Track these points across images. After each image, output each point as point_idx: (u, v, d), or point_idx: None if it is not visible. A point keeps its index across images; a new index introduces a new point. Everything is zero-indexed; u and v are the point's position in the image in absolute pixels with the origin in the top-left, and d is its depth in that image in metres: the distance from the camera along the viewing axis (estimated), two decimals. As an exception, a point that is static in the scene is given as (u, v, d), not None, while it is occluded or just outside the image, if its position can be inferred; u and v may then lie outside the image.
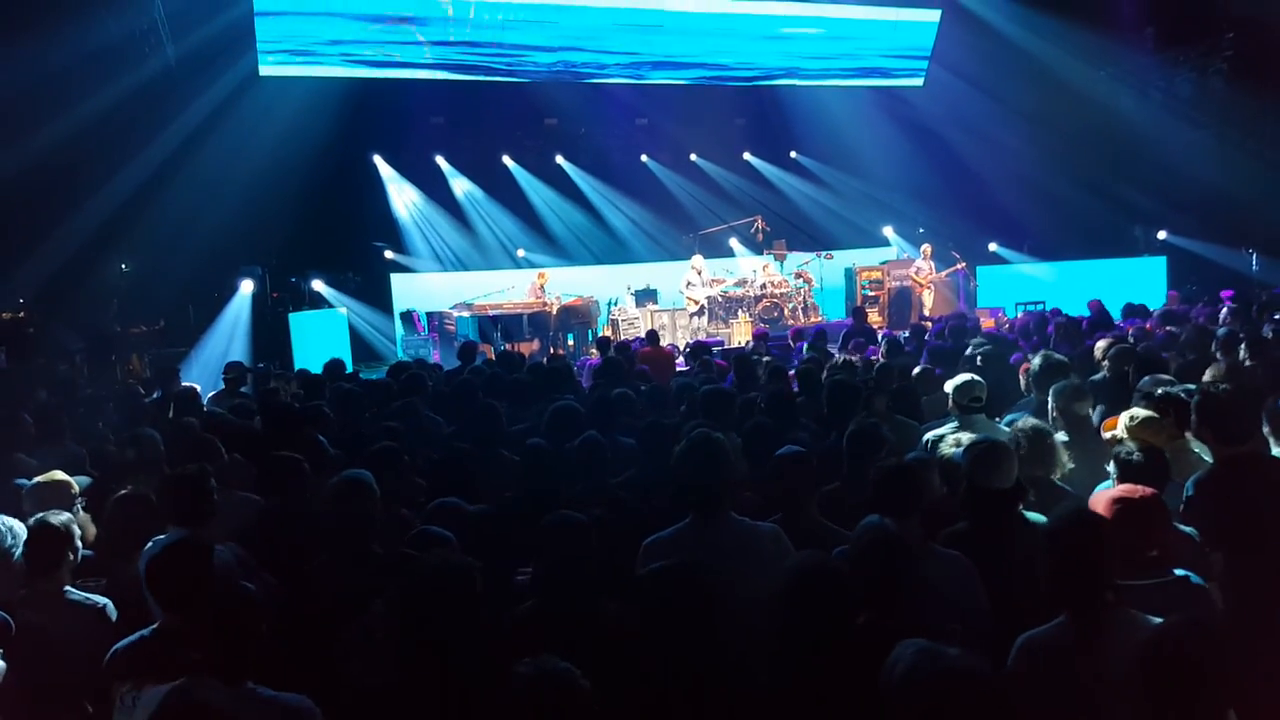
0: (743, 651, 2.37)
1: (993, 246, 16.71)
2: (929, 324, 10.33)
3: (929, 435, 4.26)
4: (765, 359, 7.30)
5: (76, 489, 3.93)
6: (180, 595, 2.69)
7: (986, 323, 11.12)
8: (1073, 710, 2.28)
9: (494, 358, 8.71)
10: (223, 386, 7.95)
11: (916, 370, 6.00)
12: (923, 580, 2.66)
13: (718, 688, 2.24)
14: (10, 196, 10.56)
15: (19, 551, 3.06)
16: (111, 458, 4.84)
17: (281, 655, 2.60)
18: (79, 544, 3.22)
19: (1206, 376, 4.53)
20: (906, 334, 8.73)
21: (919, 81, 16.81)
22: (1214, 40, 14.66)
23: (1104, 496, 2.76)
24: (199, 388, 7.54)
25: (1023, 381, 5.27)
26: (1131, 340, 6.35)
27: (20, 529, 3.11)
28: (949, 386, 4.60)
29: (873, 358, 7.25)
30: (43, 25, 9.33)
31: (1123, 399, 4.45)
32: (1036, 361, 4.85)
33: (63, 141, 10.35)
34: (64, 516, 3.23)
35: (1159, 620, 2.17)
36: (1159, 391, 4.06)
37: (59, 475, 3.95)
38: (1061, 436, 4.09)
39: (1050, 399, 4.35)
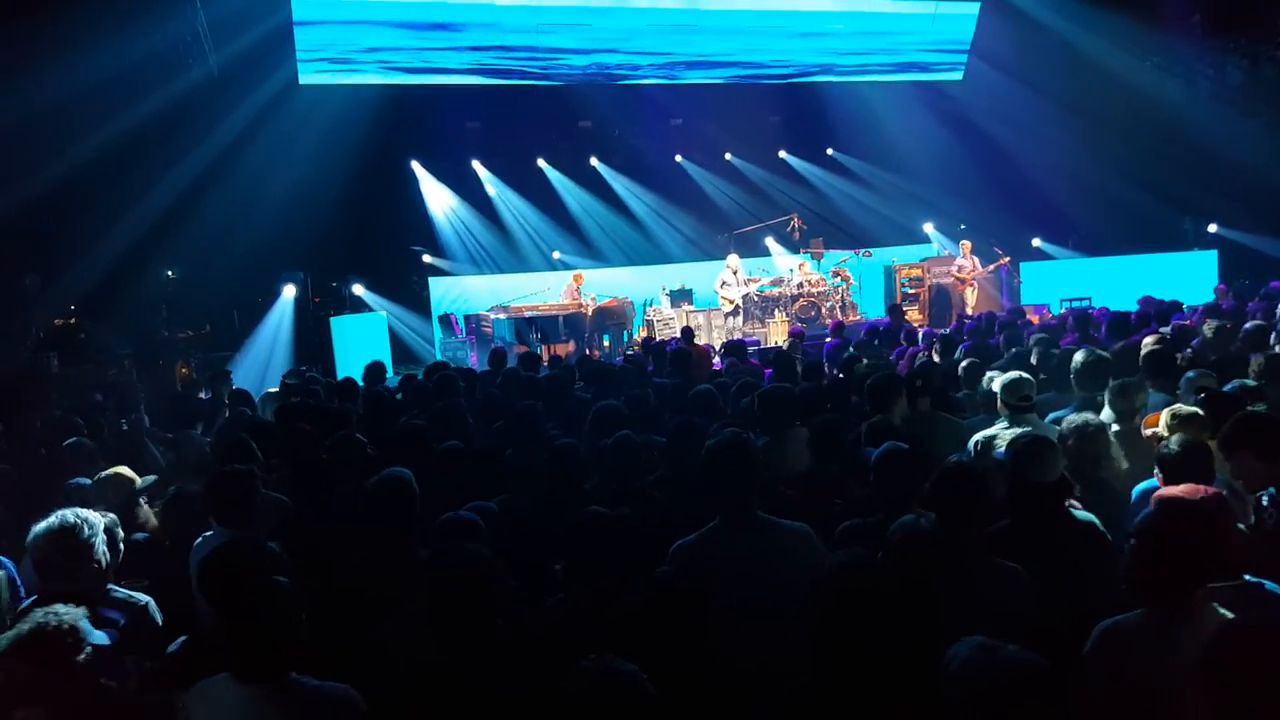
0: (775, 652, 2.33)
1: (1036, 242, 16.33)
2: (966, 321, 10.13)
3: (979, 436, 4.15)
4: (799, 357, 7.23)
5: (139, 483, 4.02)
6: (230, 596, 2.69)
7: (1031, 319, 10.88)
8: (1155, 701, 2.18)
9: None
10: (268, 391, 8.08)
11: (964, 364, 5.85)
12: (974, 592, 2.57)
13: (748, 688, 2.20)
14: (59, 204, 10.85)
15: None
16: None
17: (319, 650, 2.61)
18: (104, 545, 3.01)
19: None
20: (944, 332, 8.56)
21: (958, 75, 16.53)
22: (1267, 27, 14.21)
23: (1156, 496, 2.66)
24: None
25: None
26: (1171, 337, 6.19)
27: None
28: (997, 385, 4.47)
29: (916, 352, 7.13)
30: (90, 36, 9.56)
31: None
32: (1079, 357, 4.72)
33: (110, 149, 10.62)
34: (72, 516, 2.97)
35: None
36: (1201, 391, 3.95)
37: (124, 470, 4.05)
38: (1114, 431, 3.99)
39: (1106, 394, 4.23)
